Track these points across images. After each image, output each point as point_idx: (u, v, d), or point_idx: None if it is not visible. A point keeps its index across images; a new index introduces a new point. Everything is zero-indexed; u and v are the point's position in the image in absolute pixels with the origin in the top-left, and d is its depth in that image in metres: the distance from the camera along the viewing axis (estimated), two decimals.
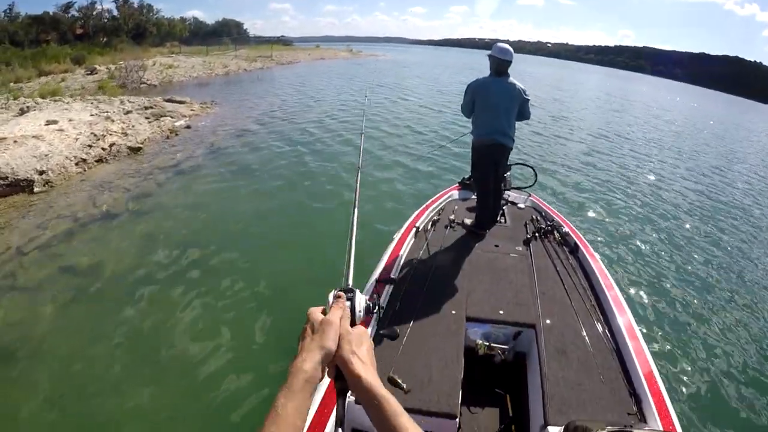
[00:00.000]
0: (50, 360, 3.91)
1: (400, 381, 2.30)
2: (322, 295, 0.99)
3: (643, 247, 6.95)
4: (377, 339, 2.61)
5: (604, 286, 3.28)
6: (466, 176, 5.30)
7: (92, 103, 12.15)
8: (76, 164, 8.58)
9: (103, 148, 9.28)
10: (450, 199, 5.09)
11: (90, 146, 9.26)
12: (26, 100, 12.22)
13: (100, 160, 8.87)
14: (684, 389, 4.04)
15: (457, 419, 2.22)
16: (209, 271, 5.31)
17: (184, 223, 6.46)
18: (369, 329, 2.61)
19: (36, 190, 7.65)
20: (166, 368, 3.86)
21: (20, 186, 7.68)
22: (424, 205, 4.73)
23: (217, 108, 14.52)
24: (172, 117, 11.91)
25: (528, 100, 4.22)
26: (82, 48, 26.58)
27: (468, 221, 4.34)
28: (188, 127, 11.39)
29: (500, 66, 4.11)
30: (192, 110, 13.23)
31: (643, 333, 2.99)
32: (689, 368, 4.32)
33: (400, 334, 2.70)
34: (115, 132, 10.07)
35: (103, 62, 23.04)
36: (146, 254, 5.68)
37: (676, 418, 2.19)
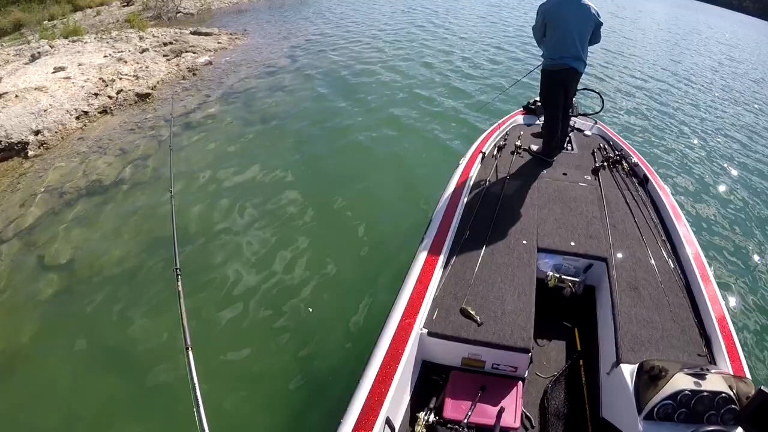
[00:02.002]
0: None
1: (473, 313, 2.25)
2: None
3: (715, 183, 6.46)
4: (450, 268, 2.55)
5: (675, 221, 3.11)
6: (531, 101, 5.02)
7: (108, 42, 10.48)
8: (77, 118, 7.10)
9: (109, 96, 7.72)
10: (515, 123, 4.79)
11: (96, 95, 7.73)
12: (40, 44, 10.67)
13: (104, 111, 7.35)
14: (754, 332, 3.85)
15: (530, 353, 2.15)
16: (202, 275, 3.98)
17: (183, 202, 4.89)
18: (441, 256, 2.60)
19: (30, 153, 6.31)
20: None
21: (15, 150, 6.36)
22: (489, 130, 4.47)
23: (248, 39, 12.36)
24: (194, 53, 10.05)
25: (601, 23, 3.87)
26: None
27: (534, 147, 4.14)
28: (209, 63, 9.45)
29: None
30: (219, 43, 11.26)
31: (713, 271, 2.95)
32: (761, 311, 4.11)
33: (471, 263, 2.62)
34: (126, 75, 8.43)
35: None
36: (135, 245, 4.39)
37: (746, 362, 2.08)
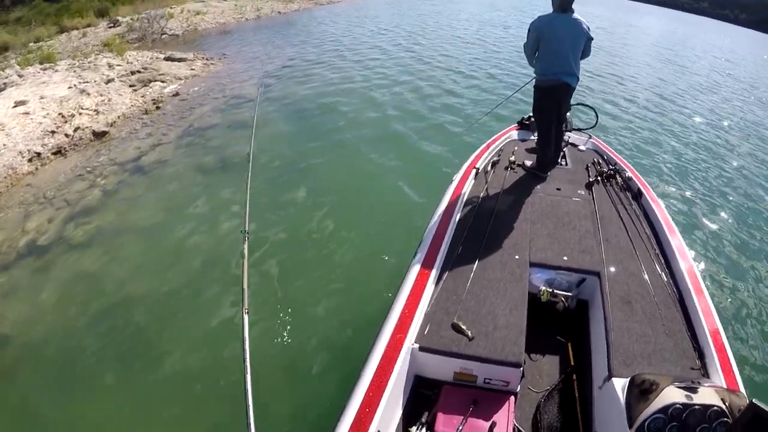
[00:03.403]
0: None
1: (464, 328, 2.21)
2: None
3: (709, 197, 6.38)
4: (443, 283, 2.52)
5: (668, 235, 3.06)
6: (525, 116, 4.94)
7: (75, 71, 9.92)
8: (29, 161, 6.55)
9: (66, 134, 7.18)
10: (509, 139, 4.73)
11: (53, 132, 7.19)
12: (7, 73, 10.11)
13: (58, 152, 6.80)
14: (747, 346, 3.80)
15: (522, 368, 2.11)
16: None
17: (117, 270, 4.33)
18: (434, 271, 2.55)
19: None
20: None
21: None
22: (483, 146, 4.39)
23: (223, 64, 11.81)
24: (162, 82, 9.51)
25: (592, 38, 3.80)
26: None
27: (528, 163, 4.08)
28: (176, 94, 8.88)
29: (565, 1, 3.63)
30: (192, 69, 10.72)
31: (707, 285, 2.74)
32: (754, 324, 4.06)
33: (463, 278, 2.56)
34: (87, 110, 7.89)
35: (127, 12, 20.59)
36: (62, 321, 3.82)
37: (739, 376, 2.04)
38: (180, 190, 5.53)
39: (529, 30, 3.81)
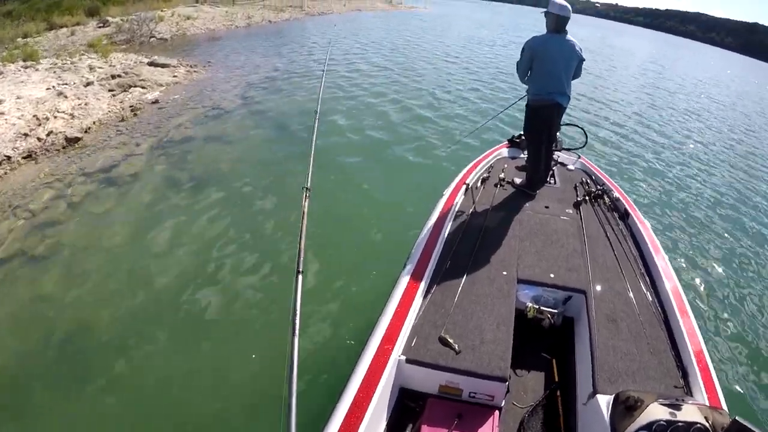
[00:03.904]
0: None
1: (451, 341, 2.22)
2: None
3: (695, 218, 6.54)
4: (431, 296, 2.54)
5: (654, 255, 3.09)
6: (516, 134, 5.02)
7: (55, 72, 9.75)
8: None
9: (39, 138, 7.00)
10: (499, 156, 4.80)
11: (26, 135, 7.01)
12: None
13: (29, 156, 6.62)
14: (730, 364, 3.86)
15: (507, 383, 2.13)
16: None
17: (76, 290, 4.14)
18: (422, 284, 2.58)
19: None
20: None
21: None
22: (473, 162, 4.42)
23: (207, 72, 11.71)
24: (143, 88, 9.38)
25: (584, 59, 3.89)
26: None
27: (518, 180, 4.11)
28: (156, 102, 8.74)
29: (559, 22, 3.73)
30: (174, 77, 10.60)
31: (691, 304, 2.80)
32: (737, 343, 4.12)
33: (451, 292, 2.58)
34: (63, 113, 7.73)
35: (118, 13, 20.35)
36: (14, 343, 3.59)
37: (722, 393, 2.06)
38: (147, 208, 5.37)
39: (523, 50, 3.87)
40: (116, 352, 3.50)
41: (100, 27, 19.14)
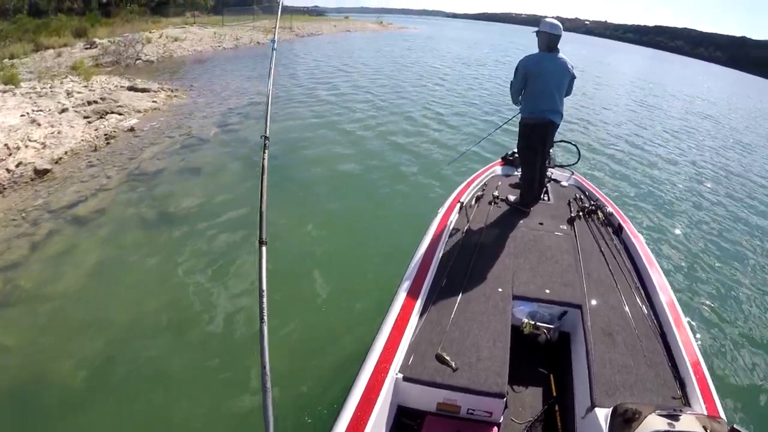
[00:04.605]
0: None
1: (448, 359, 2.18)
2: None
3: (688, 231, 6.57)
4: (427, 314, 2.52)
5: (648, 269, 3.08)
6: (509, 152, 5.03)
7: (31, 97, 9.47)
8: None
9: (7, 169, 6.69)
10: (493, 174, 4.80)
11: None
12: None
13: None
14: (727, 374, 3.83)
15: (505, 398, 2.11)
16: None
17: (30, 341, 3.82)
18: (418, 302, 2.55)
19: None
20: None
21: None
22: (467, 180, 4.42)
23: (187, 97, 11.48)
24: (120, 115, 9.13)
25: (575, 77, 3.90)
26: (88, 19, 23.57)
27: (512, 198, 4.09)
28: (131, 130, 8.46)
29: (551, 41, 3.76)
30: (153, 102, 10.36)
31: (687, 316, 2.83)
32: (734, 353, 4.12)
33: (447, 310, 2.56)
34: (35, 142, 7.45)
35: (105, 34, 20.15)
36: None
37: (720, 403, 2.04)
38: (113, 251, 5.02)
39: (516, 69, 3.86)
40: (74, 406, 3.23)
41: (87, 48, 18.95)
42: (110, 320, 4.04)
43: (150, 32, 22.28)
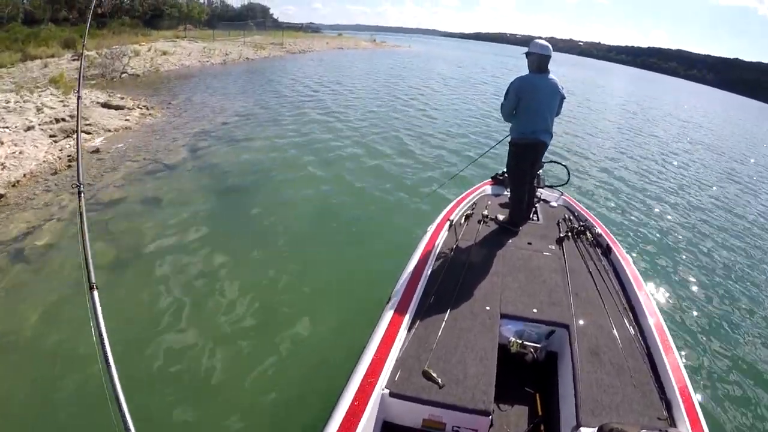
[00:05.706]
0: None
1: (435, 375, 2.19)
2: None
3: (677, 254, 6.48)
4: (414, 331, 2.50)
5: (636, 289, 3.07)
6: (499, 172, 5.02)
7: None
8: None
9: None
10: (483, 194, 4.79)
11: None
12: None
13: None
14: (714, 396, 3.77)
15: (490, 416, 2.08)
16: None
17: None
18: (406, 318, 2.54)
19: None
20: None
21: None
22: (457, 199, 4.42)
23: (163, 115, 11.18)
24: (88, 134, 8.87)
25: (564, 98, 3.91)
26: (78, 30, 23.27)
27: (501, 217, 4.08)
28: (97, 150, 8.13)
29: (542, 62, 3.76)
30: (126, 120, 10.08)
31: (673, 337, 2.65)
32: (720, 376, 4.04)
33: (435, 327, 2.55)
34: None
35: (93, 46, 19.83)
36: None
37: (706, 425, 2.05)
38: (59, 293, 4.58)
39: (508, 90, 3.86)
40: None
41: (74, 60, 18.67)
42: (49, 374, 3.69)
43: (139, 45, 22.02)
